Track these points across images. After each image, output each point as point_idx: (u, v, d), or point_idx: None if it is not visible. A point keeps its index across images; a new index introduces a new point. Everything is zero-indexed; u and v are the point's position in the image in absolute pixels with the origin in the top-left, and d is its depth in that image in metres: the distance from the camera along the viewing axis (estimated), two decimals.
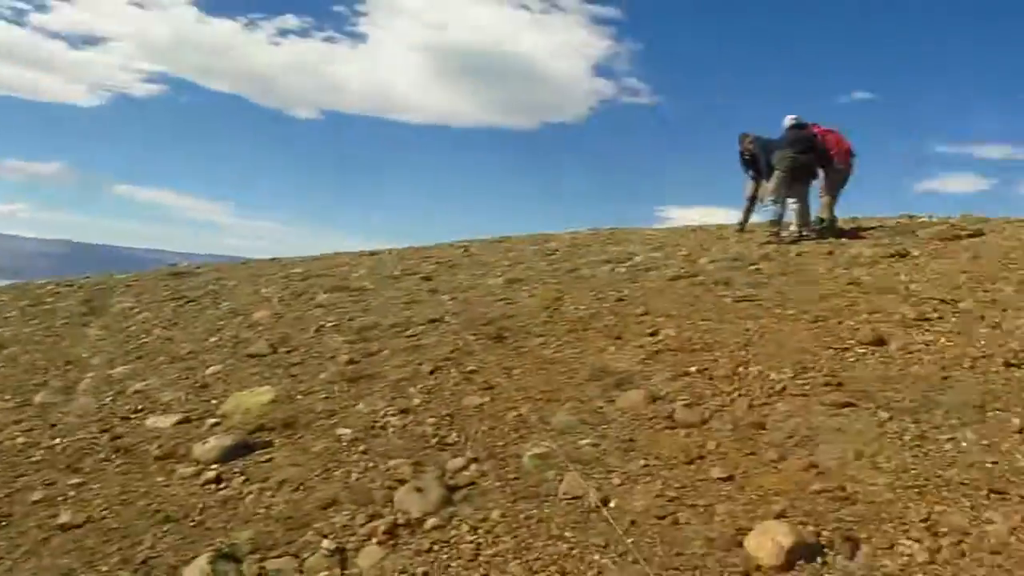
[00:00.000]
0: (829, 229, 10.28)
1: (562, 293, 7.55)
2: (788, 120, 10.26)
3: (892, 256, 8.03)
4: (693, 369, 5.05)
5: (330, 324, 7.30)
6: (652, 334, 5.92)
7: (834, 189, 10.31)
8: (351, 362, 5.99)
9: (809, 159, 9.83)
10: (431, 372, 5.51)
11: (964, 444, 3.85)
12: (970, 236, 8.88)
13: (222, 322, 8.00)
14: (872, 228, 10.63)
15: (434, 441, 4.35)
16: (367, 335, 6.75)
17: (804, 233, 10.15)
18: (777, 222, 9.85)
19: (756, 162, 10.55)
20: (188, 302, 9.38)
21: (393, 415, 4.77)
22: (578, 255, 10.03)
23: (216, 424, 5.03)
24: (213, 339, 7.30)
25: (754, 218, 11.25)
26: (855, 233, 10.27)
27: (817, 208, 10.37)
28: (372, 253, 12.66)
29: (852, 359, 5.03)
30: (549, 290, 7.74)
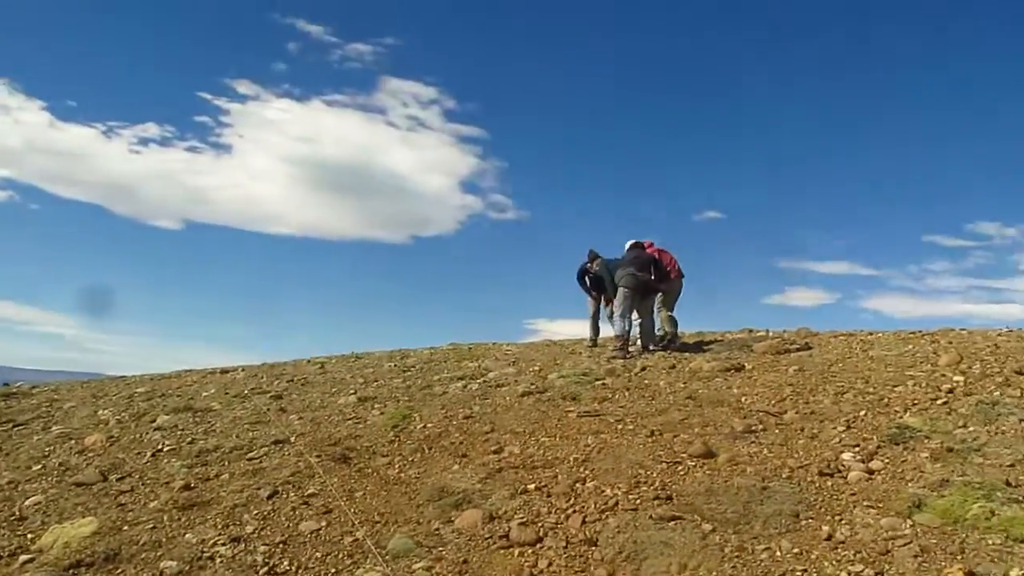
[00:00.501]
0: (671, 342, 10.87)
1: (412, 411, 7.61)
2: (628, 244, 11.00)
3: (728, 370, 8.53)
4: (532, 487, 5.18)
5: (168, 448, 7.03)
6: (496, 452, 6.05)
7: (670, 305, 10.99)
8: (185, 488, 5.78)
9: (647, 277, 10.44)
10: (269, 496, 5.40)
11: (779, 554, 4.11)
12: (799, 350, 9.55)
13: (50, 448, 7.55)
14: (714, 342, 11.27)
15: (264, 571, 4.25)
16: (207, 459, 6.55)
17: (651, 348, 10.67)
18: (624, 338, 10.30)
19: (601, 282, 11.20)
20: (16, 426, 8.80)
21: (223, 544, 4.63)
22: (433, 371, 10.13)
23: (29, 560, 4.73)
24: (37, 467, 6.88)
25: (607, 331, 11.74)
26: (698, 347, 10.86)
27: (658, 324, 10.99)
28: (224, 371, 12.30)
29: (683, 472, 5.30)
30: (400, 408, 7.77)
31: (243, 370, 12.06)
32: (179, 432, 7.63)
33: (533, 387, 8.30)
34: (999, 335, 9.77)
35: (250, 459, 6.41)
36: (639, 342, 10.94)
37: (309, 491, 5.48)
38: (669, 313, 11.01)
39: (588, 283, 11.52)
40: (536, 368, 9.72)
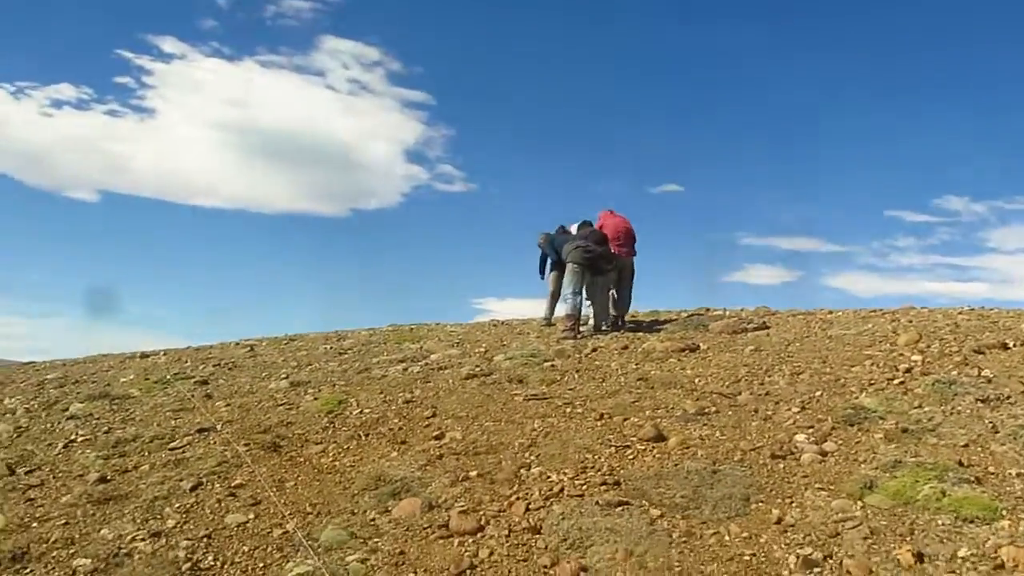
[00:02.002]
0: (620, 322, 11.05)
1: (349, 396, 7.62)
2: (574, 226, 11.15)
3: (682, 350, 8.70)
4: (474, 473, 5.24)
5: (82, 438, 6.91)
6: (437, 437, 6.09)
7: (622, 282, 11.16)
8: (101, 481, 5.71)
9: (599, 252, 10.55)
10: (192, 488, 5.36)
11: (727, 538, 4.24)
12: (756, 329, 9.79)
13: None
14: (669, 321, 11.46)
15: (186, 567, 4.23)
16: (124, 449, 6.46)
17: (603, 328, 10.81)
18: (574, 316, 10.42)
19: (544, 259, 11.35)
20: None
21: (142, 540, 4.59)
22: (372, 354, 10.13)
23: None
24: None
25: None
26: (653, 326, 11.04)
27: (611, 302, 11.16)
28: (144, 355, 12.09)
29: (632, 456, 5.41)
30: (335, 393, 7.78)
31: (165, 354, 11.88)
32: (94, 421, 7.51)
33: (478, 369, 8.37)
34: (959, 313, 10.11)
35: (172, 449, 6.35)
36: (590, 321, 11.06)
37: (236, 482, 5.46)
38: (620, 291, 11.17)
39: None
40: (481, 350, 9.79)
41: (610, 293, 11.26)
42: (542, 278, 11.66)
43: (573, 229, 11.16)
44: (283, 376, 8.99)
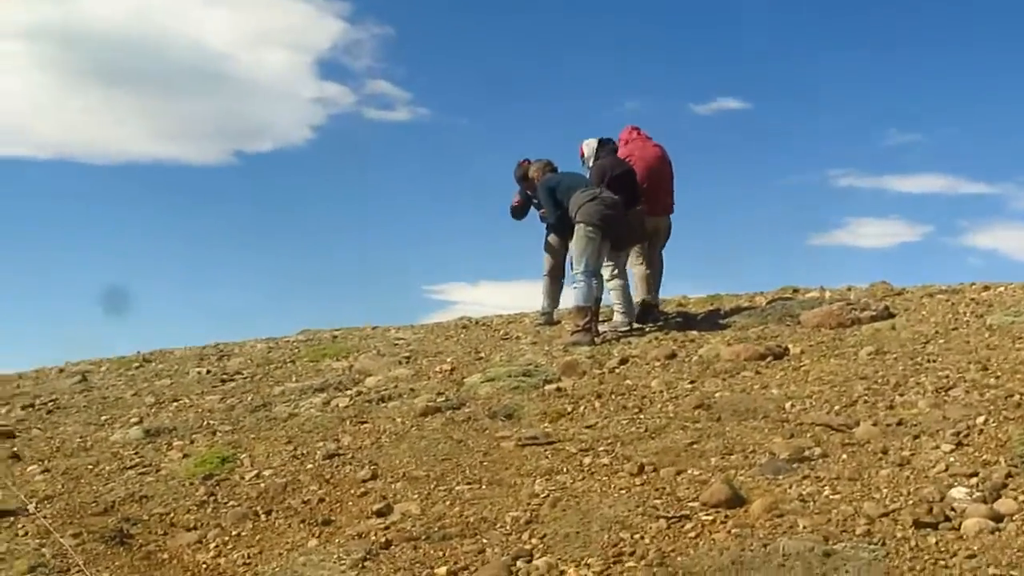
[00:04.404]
0: (656, 314, 10.96)
1: (238, 450, 7.52)
2: (588, 145, 10.95)
3: (762, 357, 8.59)
4: (442, 571, 5.07)
5: None
6: (381, 513, 5.96)
7: (655, 253, 11.07)
8: None
9: (630, 207, 10.38)
10: None
11: None
12: (874, 319, 9.65)
13: None
14: (738, 311, 11.33)
15: None
16: None
17: (634, 325, 10.66)
18: (590, 308, 10.25)
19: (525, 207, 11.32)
20: None
21: None
22: (273, 379, 10.06)
23: None
24: None
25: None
26: (712, 320, 10.90)
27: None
28: None
29: (691, 533, 5.23)
30: (216, 447, 7.69)
31: None
32: None
33: (441, 400, 8.29)
34: None
35: None
36: (616, 316, 10.91)
37: None
38: (646, 269, 11.07)
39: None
40: (446, 367, 9.70)
41: (639, 269, 11.15)
42: (515, 217, 11.61)
43: (585, 150, 10.99)
44: (133, 421, 8.90)
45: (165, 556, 5.74)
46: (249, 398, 9.31)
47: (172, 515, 6.35)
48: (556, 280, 11.81)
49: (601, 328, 10.52)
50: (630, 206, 10.37)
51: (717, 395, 7.63)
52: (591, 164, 10.90)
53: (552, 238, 11.59)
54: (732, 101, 38.45)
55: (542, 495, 5.94)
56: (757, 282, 13.25)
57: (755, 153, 41.00)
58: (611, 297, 10.85)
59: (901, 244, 35.86)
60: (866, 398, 7.11)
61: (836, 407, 7.01)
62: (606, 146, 10.95)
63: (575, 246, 10.40)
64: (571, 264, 10.90)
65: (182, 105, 42.47)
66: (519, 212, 11.92)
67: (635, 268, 11.13)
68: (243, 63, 41.02)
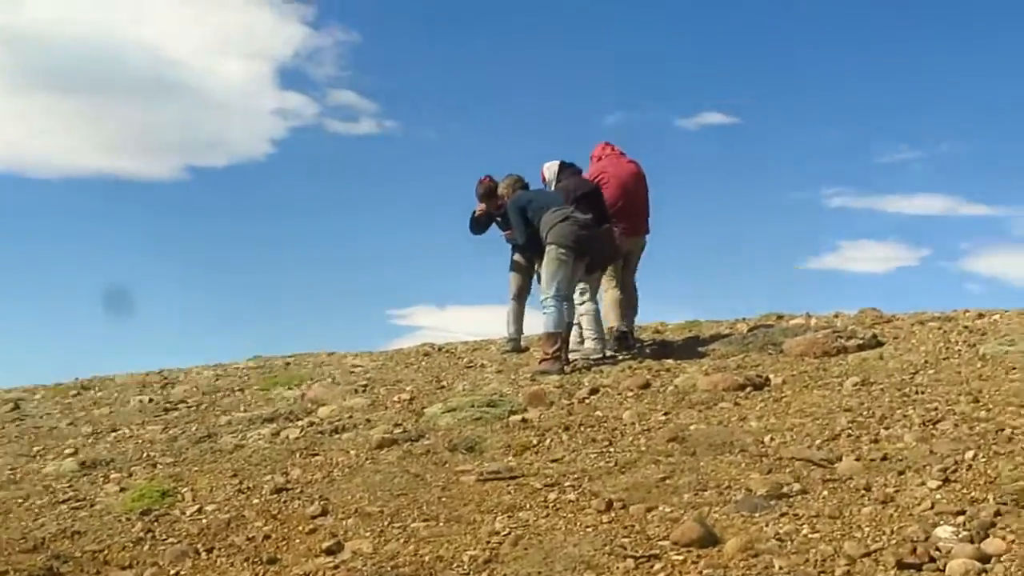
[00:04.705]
0: (630, 340, 10.93)
1: (179, 483, 7.44)
2: (549, 169, 10.96)
3: (742, 387, 8.56)
4: None
5: None
6: (331, 551, 5.86)
7: (629, 275, 11.06)
8: None
9: (603, 225, 10.36)
10: None
11: None
12: (861, 348, 9.65)
13: None
14: (718, 337, 11.31)
15: None
16: None
17: (607, 353, 10.62)
18: (559, 335, 10.20)
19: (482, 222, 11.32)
20: None
21: None
22: (219, 408, 10.00)
23: None
24: None
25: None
26: (691, 348, 10.89)
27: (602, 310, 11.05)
28: None
29: (662, 574, 5.17)
30: (156, 480, 7.61)
31: None
32: None
33: (398, 431, 8.25)
34: None
35: None
36: (588, 342, 10.88)
37: None
38: (619, 294, 11.07)
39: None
40: (404, 396, 9.68)
41: (610, 293, 11.14)
42: (474, 232, 11.61)
43: (546, 174, 11.01)
44: (68, 452, 8.77)
45: None
46: (193, 428, 9.23)
47: (106, 552, 6.23)
48: (523, 304, 11.79)
49: (572, 356, 10.48)
50: (599, 224, 10.36)
51: (692, 427, 7.59)
52: (553, 187, 10.91)
53: (518, 258, 11.57)
54: (719, 115, 38.25)
55: (503, 533, 5.86)
56: (741, 308, 13.27)
57: (742, 170, 40.75)
58: (582, 323, 10.81)
59: (897, 268, 35.82)
60: (850, 431, 7.09)
61: (818, 441, 6.98)
62: (568, 169, 10.98)
63: (546, 269, 10.36)
64: (540, 287, 10.88)
65: (130, 115, 41.79)
66: (479, 226, 11.89)
67: (608, 292, 11.12)
68: (197, 70, 40.51)
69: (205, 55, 42.19)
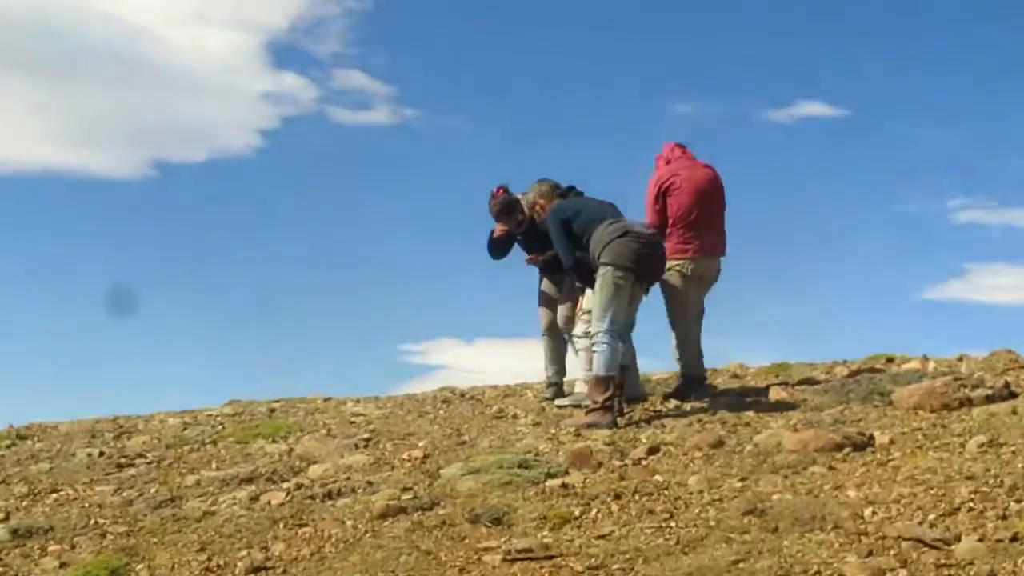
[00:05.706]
0: (693, 385, 10.80)
1: (134, 558, 7.33)
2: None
3: (838, 448, 8.23)
4: None
5: None
6: None
7: (696, 309, 10.96)
8: None
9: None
10: None
11: None
12: (989, 400, 9.40)
13: None
14: (809, 383, 11.17)
15: None
16: None
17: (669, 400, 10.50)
18: (611, 380, 10.04)
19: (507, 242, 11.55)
20: None
21: None
22: (186, 466, 9.98)
23: None
24: None
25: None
26: (777, 398, 10.73)
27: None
28: None
29: None
30: (105, 553, 7.50)
31: None
32: None
33: (407, 497, 8.11)
34: None
35: None
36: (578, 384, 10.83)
37: None
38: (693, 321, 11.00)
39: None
40: (417, 454, 9.54)
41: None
42: (493, 256, 11.49)
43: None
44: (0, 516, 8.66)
45: None
46: (153, 490, 9.16)
47: None
48: (558, 338, 11.67)
49: (626, 406, 10.37)
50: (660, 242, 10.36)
51: (775, 497, 7.19)
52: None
53: (546, 285, 11.49)
54: (819, 106, 37.19)
55: None
56: (840, 348, 13.06)
57: (847, 174, 39.70)
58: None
59: None
60: (972, 504, 6.63)
61: (931, 516, 6.53)
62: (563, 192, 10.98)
63: (598, 296, 10.10)
64: (583, 317, 10.81)
65: (86, 99, 40.45)
66: (499, 248, 11.78)
67: (679, 330, 11.04)
68: (169, 44, 39.51)
69: (178, 25, 41.79)
